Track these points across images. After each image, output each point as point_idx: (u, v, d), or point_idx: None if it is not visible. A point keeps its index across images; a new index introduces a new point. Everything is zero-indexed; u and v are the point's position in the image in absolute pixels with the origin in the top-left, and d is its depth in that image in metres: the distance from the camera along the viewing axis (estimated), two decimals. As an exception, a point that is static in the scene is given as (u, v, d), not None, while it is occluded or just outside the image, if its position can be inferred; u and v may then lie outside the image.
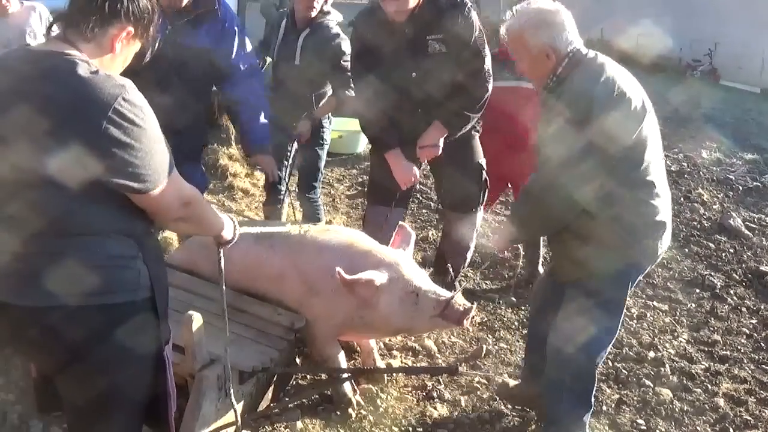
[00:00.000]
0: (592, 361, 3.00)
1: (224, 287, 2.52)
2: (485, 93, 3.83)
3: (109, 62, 2.03)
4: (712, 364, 4.11)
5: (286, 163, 4.55)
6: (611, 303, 2.93)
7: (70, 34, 1.97)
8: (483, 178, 4.11)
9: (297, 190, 4.92)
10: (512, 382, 3.56)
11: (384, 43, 3.69)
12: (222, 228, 2.32)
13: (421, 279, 3.21)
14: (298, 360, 3.56)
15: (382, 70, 3.74)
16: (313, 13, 4.45)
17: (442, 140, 3.82)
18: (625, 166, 2.74)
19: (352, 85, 4.25)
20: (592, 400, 3.11)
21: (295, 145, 4.55)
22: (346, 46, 4.41)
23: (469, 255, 4.33)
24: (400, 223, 3.60)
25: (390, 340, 3.93)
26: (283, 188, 4.70)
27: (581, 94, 2.69)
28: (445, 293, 3.15)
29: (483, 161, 4.15)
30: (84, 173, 1.85)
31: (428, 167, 4.34)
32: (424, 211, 6.12)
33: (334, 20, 4.58)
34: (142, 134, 1.90)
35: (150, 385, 2.17)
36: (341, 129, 7.76)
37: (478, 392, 3.64)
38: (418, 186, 5.40)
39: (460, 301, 3.11)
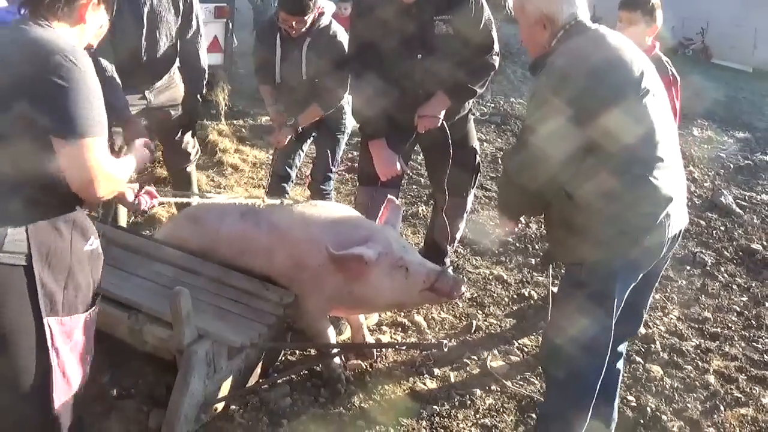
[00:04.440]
0: (589, 357, 2.76)
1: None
2: (492, 69, 3.78)
3: (81, 33, 2.18)
4: (702, 341, 4.11)
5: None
6: (602, 298, 2.71)
7: (43, 11, 2.09)
8: (476, 162, 4.07)
9: (311, 178, 4.75)
10: None
11: (388, 27, 3.60)
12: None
13: (411, 253, 3.20)
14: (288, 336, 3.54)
15: (385, 55, 3.66)
16: (305, 27, 4.09)
17: (443, 112, 3.71)
18: (624, 149, 2.51)
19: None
20: (593, 398, 2.84)
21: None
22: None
23: (458, 236, 4.29)
24: (389, 197, 3.55)
25: (379, 316, 3.91)
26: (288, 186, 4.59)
27: (564, 64, 2.51)
28: (435, 267, 3.15)
29: (477, 145, 4.10)
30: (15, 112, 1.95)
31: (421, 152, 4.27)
32: (414, 186, 6.08)
33: (329, 16, 4.24)
34: (80, 83, 1.98)
35: (30, 357, 2.11)
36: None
37: (468, 368, 3.63)
38: (409, 172, 5.28)
39: (450, 274, 3.09)
